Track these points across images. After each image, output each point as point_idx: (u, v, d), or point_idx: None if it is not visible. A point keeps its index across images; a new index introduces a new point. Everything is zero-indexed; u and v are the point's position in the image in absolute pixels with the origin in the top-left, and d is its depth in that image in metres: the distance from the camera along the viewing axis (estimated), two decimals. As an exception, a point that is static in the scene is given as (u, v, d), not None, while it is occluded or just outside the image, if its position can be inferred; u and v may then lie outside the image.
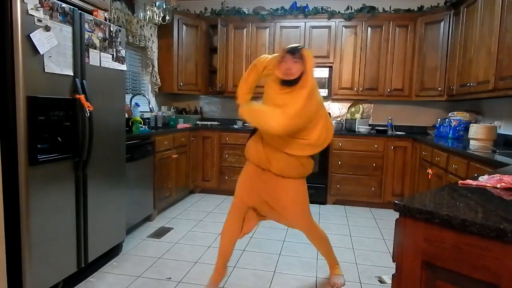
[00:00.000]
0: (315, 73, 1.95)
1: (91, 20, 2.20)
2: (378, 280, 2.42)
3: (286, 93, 1.94)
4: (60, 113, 1.97)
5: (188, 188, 4.33)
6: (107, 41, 2.35)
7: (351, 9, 4.32)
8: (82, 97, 2.07)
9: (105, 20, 2.40)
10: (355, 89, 4.36)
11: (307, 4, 4.48)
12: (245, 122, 4.63)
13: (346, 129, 4.48)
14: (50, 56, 1.89)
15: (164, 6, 3.93)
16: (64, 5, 1.97)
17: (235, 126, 4.59)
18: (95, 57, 2.25)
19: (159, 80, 4.42)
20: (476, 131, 2.94)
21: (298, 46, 1.98)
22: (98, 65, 2.29)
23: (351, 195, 4.17)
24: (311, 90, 1.95)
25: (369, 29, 4.28)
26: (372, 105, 4.68)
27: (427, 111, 4.52)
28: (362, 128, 4.29)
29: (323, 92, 4.38)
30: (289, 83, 1.94)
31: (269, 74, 2.06)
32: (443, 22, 3.91)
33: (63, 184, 2.05)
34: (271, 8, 4.54)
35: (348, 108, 4.70)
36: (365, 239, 3.17)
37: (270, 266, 2.59)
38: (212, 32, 4.79)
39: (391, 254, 1.02)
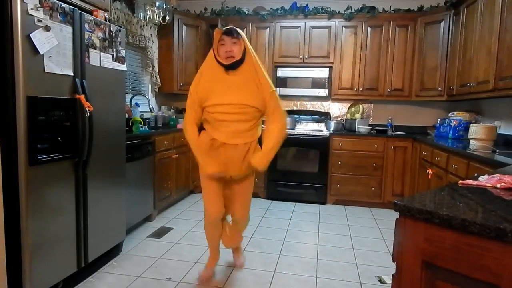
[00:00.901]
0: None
1: (91, 20, 2.20)
2: (378, 280, 2.42)
3: (237, 75, 1.97)
4: (60, 113, 1.97)
5: (188, 188, 4.32)
6: (107, 41, 2.35)
7: (351, 9, 4.31)
8: (82, 97, 2.07)
9: (105, 20, 2.40)
10: (355, 89, 4.36)
11: (307, 4, 4.48)
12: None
13: (346, 129, 4.48)
14: (50, 56, 1.89)
15: (164, 6, 3.93)
16: (64, 5, 1.97)
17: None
18: (95, 57, 2.25)
19: (159, 80, 4.42)
20: (476, 131, 2.94)
21: (232, 26, 1.99)
22: (98, 65, 2.29)
23: (351, 195, 4.17)
24: (260, 67, 2.03)
25: (369, 29, 4.27)
26: (372, 105, 4.67)
27: (427, 111, 4.52)
28: (362, 128, 4.29)
29: (323, 92, 4.38)
30: (232, 67, 1.94)
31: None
32: (443, 22, 3.91)
33: (63, 184, 2.05)
34: (271, 8, 4.54)
35: (348, 108, 4.70)
36: (365, 239, 3.17)
37: (270, 266, 2.59)
38: (212, 32, 4.77)
39: (391, 254, 1.02)
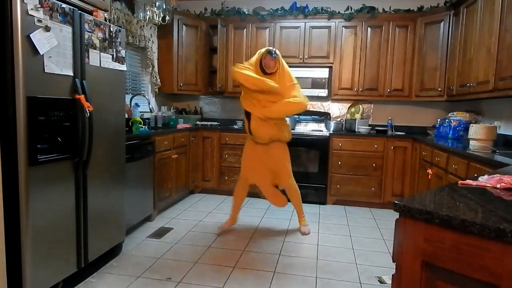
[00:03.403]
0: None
1: (91, 20, 2.20)
2: (378, 280, 2.42)
3: (271, 77, 2.93)
4: (60, 113, 1.97)
5: (188, 188, 4.32)
6: (107, 41, 2.36)
7: (351, 9, 4.32)
8: (82, 97, 2.07)
9: (105, 20, 2.40)
10: (355, 89, 4.37)
11: (307, 4, 4.48)
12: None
13: (346, 129, 4.48)
14: (50, 57, 1.89)
15: (164, 6, 3.93)
16: (64, 5, 1.97)
17: (235, 127, 4.59)
18: (95, 57, 2.25)
19: (159, 80, 4.42)
20: (476, 131, 2.94)
21: (273, 49, 2.96)
22: (98, 65, 2.29)
23: (351, 195, 4.17)
24: (290, 75, 2.98)
25: (369, 29, 4.28)
26: (372, 105, 4.68)
27: (427, 111, 4.53)
28: (362, 128, 4.29)
29: (323, 92, 4.38)
30: (268, 73, 2.94)
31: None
32: (443, 22, 3.91)
33: (63, 184, 2.05)
34: (271, 9, 4.54)
35: (348, 108, 4.70)
36: (365, 239, 3.17)
37: (270, 266, 2.59)
38: (212, 32, 4.79)
39: (391, 254, 1.03)
